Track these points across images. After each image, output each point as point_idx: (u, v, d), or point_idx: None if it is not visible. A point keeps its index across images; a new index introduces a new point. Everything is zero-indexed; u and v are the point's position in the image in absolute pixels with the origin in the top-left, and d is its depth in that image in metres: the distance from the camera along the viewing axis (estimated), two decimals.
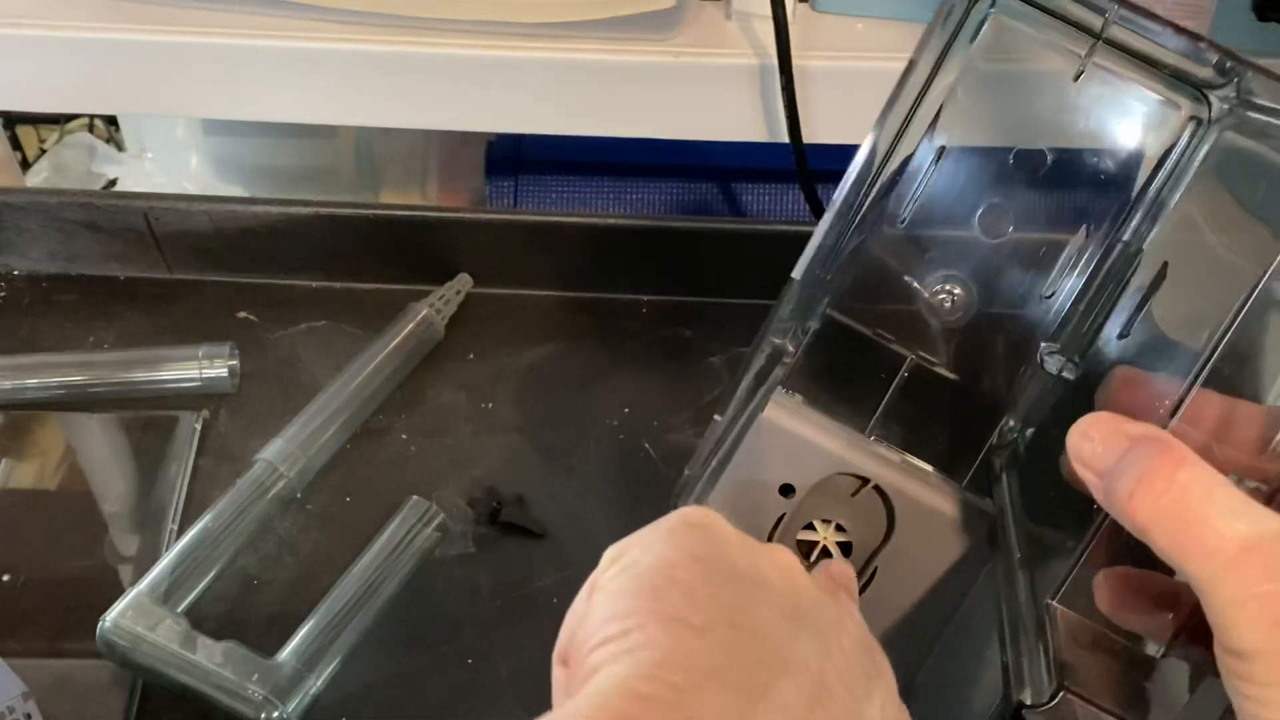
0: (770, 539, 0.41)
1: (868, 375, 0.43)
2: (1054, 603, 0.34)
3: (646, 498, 0.57)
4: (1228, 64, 0.37)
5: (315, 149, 0.89)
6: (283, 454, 0.54)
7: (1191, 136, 0.40)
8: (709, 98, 0.62)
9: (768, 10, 0.57)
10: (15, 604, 0.51)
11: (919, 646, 0.41)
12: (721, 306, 0.66)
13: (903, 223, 0.42)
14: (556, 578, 0.53)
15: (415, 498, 0.53)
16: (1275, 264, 0.32)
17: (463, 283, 0.64)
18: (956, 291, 0.42)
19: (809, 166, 0.64)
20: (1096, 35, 0.38)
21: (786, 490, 0.40)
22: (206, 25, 0.61)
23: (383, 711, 0.48)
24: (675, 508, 0.36)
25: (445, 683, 0.50)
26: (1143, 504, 0.30)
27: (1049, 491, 0.38)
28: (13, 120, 0.96)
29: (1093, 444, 0.32)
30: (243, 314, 0.64)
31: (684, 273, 0.66)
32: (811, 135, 0.61)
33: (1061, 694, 0.32)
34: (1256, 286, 0.33)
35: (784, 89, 0.59)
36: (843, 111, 0.62)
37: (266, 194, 0.86)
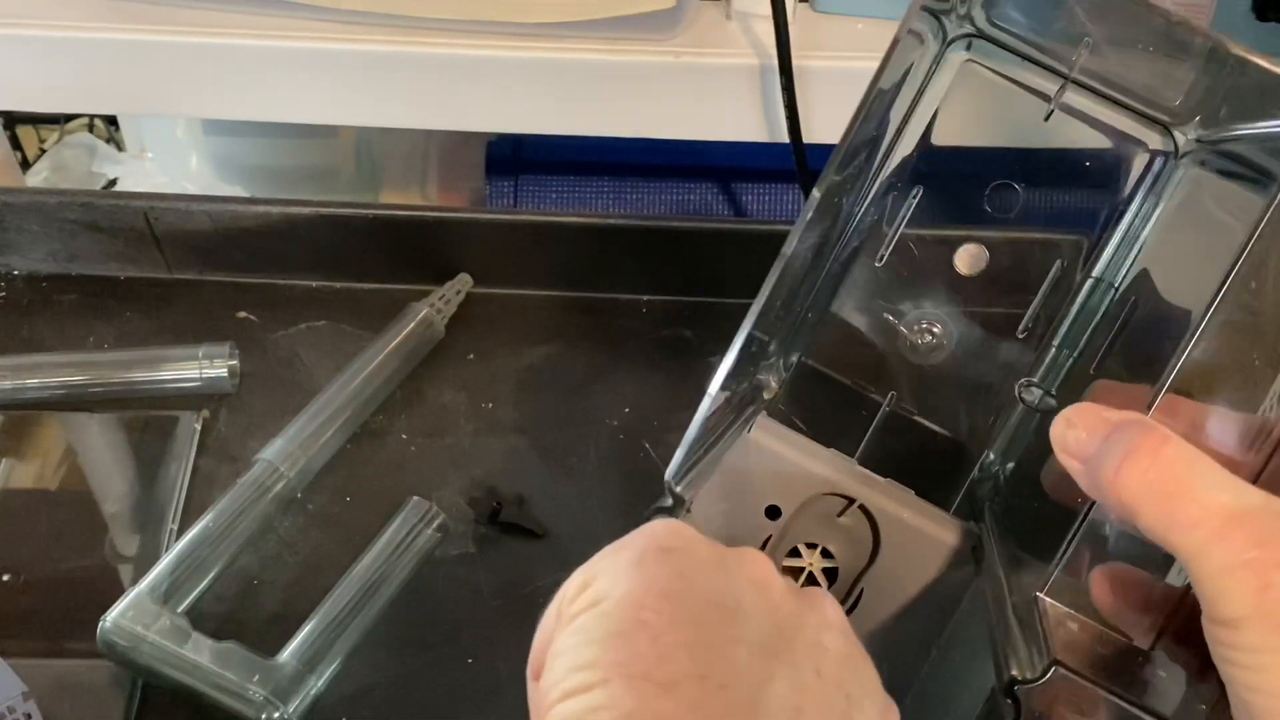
0: None
1: (849, 412, 0.43)
2: (1043, 596, 0.35)
3: (646, 498, 0.57)
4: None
5: (315, 149, 0.89)
6: (283, 454, 0.54)
7: (1160, 171, 0.40)
8: (709, 98, 0.62)
9: (768, 10, 0.57)
10: (15, 604, 0.51)
11: (905, 668, 0.41)
12: (721, 306, 0.66)
13: (880, 261, 0.42)
14: (556, 578, 0.52)
15: (415, 498, 0.53)
16: (1233, 271, 0.33)
17: (463, 283, 0.64)
18: (935, 328, 0.43)
19: (809, 166, 0.64)
20: (1065, 76, 0.39)
21: (773, 512, 0.41)
22: (206, 25, 0.61)
23: (383, 711, 0.48)
24: (658, 508, 0.36)
25: (445, 683, 0.50)
26: (1128, 480, 0.30)
27: (1032, 521, 0.39)
28: (13, 120, 0.96)
29: (1076, 431, 0.32)
30: (243, 314, 0.64)
31: (684, 273, 0.66)
32: (811, 135, 0.61)
33: (1054, 669, 0.32)
34: (1220, 289, 0.33)
35: (784, 89, 0.59)
36: (843, 111, 0.61)
37: (266, 194, 0.86)
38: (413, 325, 0.61)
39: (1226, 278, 0.33)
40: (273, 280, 0.65)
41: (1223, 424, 0.33)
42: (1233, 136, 0.38)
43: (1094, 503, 0.34)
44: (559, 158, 0.79)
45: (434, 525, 0.53)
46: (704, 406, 0.38)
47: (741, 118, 0.62)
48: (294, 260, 0.65)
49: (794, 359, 0.43)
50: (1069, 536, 0.34)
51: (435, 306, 0.62)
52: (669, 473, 0.38)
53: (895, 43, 0.38)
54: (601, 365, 0.63)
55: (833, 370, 0.43)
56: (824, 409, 0.43)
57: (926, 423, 0.43)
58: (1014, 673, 0.33)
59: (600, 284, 0.66)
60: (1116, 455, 0.31)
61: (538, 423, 0.60)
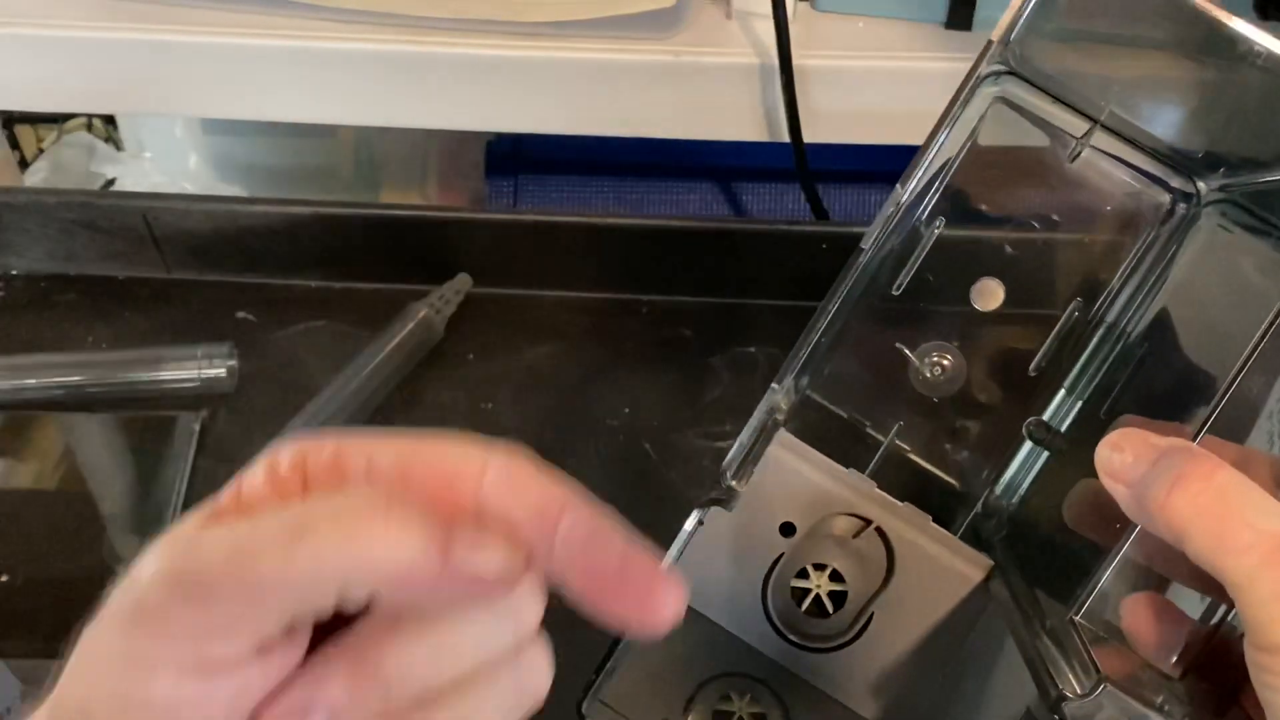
0: (767, 578, 0.41)
1: (856, 440, 0.43)
2: (1078, 618, 0.34)
3: (646, 498, 0.57)
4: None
5: (315, 149, 0.89)
6: None
7: (1181, 219, 0.40)
8: (709, 98, 0.62)
9: (768, 10, 0.57)
10: (15, 604, 0.51)
11: (912, 695, 0.41)
12: (722, 306, 0.66)
13: (898, 291, 0.42)
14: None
15: None
16: (1273, 318, 0.33)
17: (462, 283, 0.64)
18: (947, 360, 0.43)
19: (809, 166, 0.64)
20: (1094, 120, 0.39)
21: (787, 529, 0.40)
22: (206, 25, 0.61)
23: None
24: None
25: None
26: (1180, 504, 0.30)
27: (1042, 556, 0.39)
28: (11, 120, 0.95)
29: (1124, 455, 0.32)
30: (242, 314, 0.64)
31: (684, 273, 0.66)
32: (811, 135, 0.61)
33: (1103, 685, 0.32)
34: (1257, 346, 0.33)
35: (784, 89, 0.59)
36: (843, 111, 0.62)
37: (266, 194, 0.86)
38: (412, 325, 0.61)
39: (1265, 334, 0.33)
40: (272, 280, 0.65)
41: (1264, 467, 0.33)
42: (1256, 184, 0.38)
43: (1135, 528, 0.33)
44: (559, 158, 0.79)
45: None
46: (765, 400, 0.38)
47: (741, 118, 0.62)
48: (294, 260, 0.65)
49: (804, 382, 0.43)
50: (1107, 562, 0.34)
51: (435, 306, 0.62)
52: (726, 463, 0.39)
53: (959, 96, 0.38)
54: (601, 365, 0.63)
55: (842, 398, 0.43)
56: (834, 436, 0.43)
57: (923, 464, 0.43)
58: (1064, 690, 0.33)
59: (600, 284, 0.66)
60: (1167, 479, 0.30)
61: (538, 423, 0.60)
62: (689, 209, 0.78)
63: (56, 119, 0.99)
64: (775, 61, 0.59)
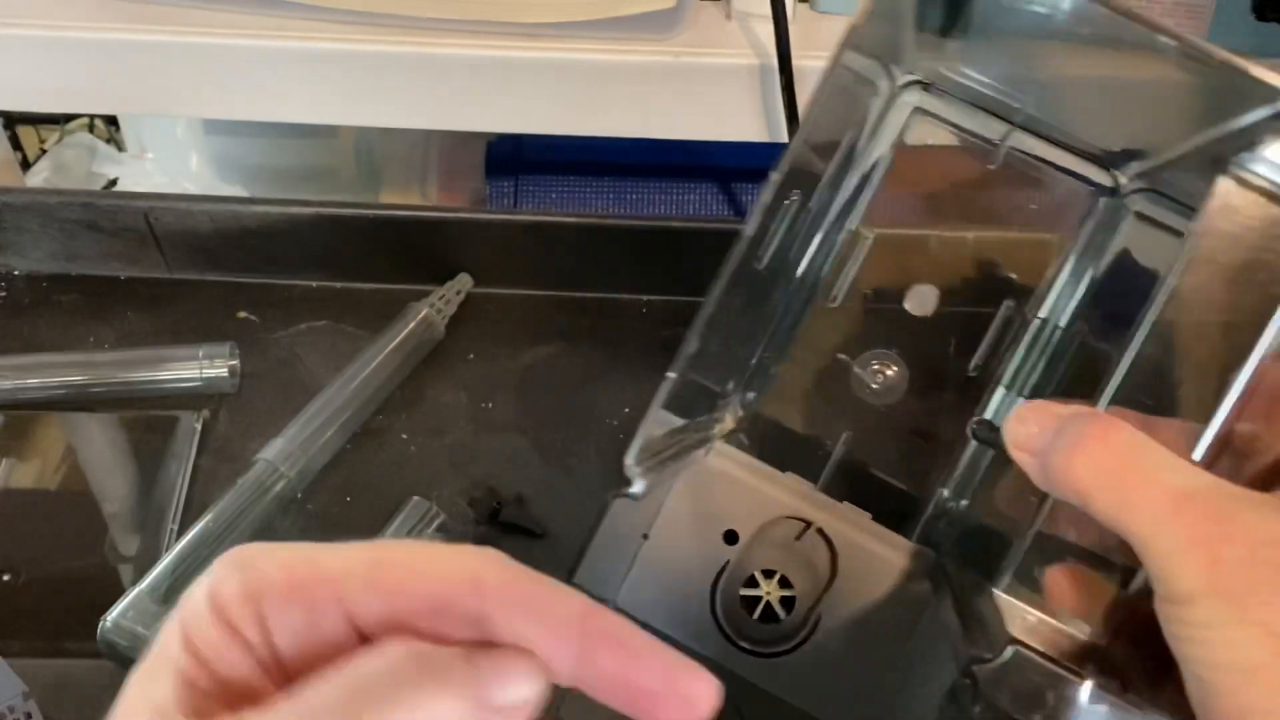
0: (714, 588, 0.41)
1: (808, 452, 0.44)
2: (999, 592, 0.35)
3: None
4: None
5: (315, 149, 0.89)
6: (283, 454, 0.54)
7: (1104, 212, 0.41)
8: (709, 98, 0.62)
9: (768, 10, 0.57)
10: (15, 604, 0.51)
11: (863, 694, 0.41)
12: None
13: (834, 301, 0.43)
14: (556, 578, 0.53)
15: (416, 498, 0.53)
16: (1161, 296, 0.33)
17: (463, 283, 0.64)
18: (889, 369, 0.43)
19: None
20: (1011, 122, 0.40)
21: (730, 537, 0.41)
22: (206, 25, 0.61)
23: None
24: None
25: None
26: (1080, 467, 0.30)
27: (987, 555, 0.39)
28: (13, 120, 0.96)
29: (1028, 426, 0.33)
30: (243, 314, 0.64)
31: (684, 273, 0.66)
32: None
33: (1012, 647, 0.32)
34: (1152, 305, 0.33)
35: (784, 89, 0.59)
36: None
37: (266, 194, 0.86)
38: (413, 325, 0.61)
39: (1158, 309, 0.33)
40: (273, 280, 0.65)
41: (1168, 432, 0.33)
42: (1166, 163, 0.38)
43: (1049, 500, 0.34)
44: (559, 158, 0.79)
45: (434, 525, 0.53)
46: (662, 389, 0.38)
47: (741, 118, 0.62)
48: (294, 260, 0.65)
49: (750, 398, 0.44)
50: (1024, 536, 0.34)
51: (435, 306, 0.62)
52: (629, 457, 0.37)
53: (825, 79, 0.38)
54: (601, 365, 0.63)
55: (790, 411, 0.44)
56: (785, 449, 0.44)
57: (875, 472, 0.44)
58: (974, 653, 0.33)
59: (600, 284, 0.66)
60: (1069, 444, 0.31)
61: (538, 423, 0.60)
62: (689, 209, 0.78)
63: (58, 120, 0.99)
64: (775, 62, 0.59)
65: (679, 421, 0.40)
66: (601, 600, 0.42)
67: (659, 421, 0.38)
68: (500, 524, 0.55)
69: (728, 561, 0.41)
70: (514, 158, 0.80)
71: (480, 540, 0.54)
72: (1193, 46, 0.31)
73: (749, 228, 0.38)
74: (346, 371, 0.59)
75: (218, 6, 0.61)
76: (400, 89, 0.62)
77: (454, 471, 0.57)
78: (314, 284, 0.66)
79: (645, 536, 0.40)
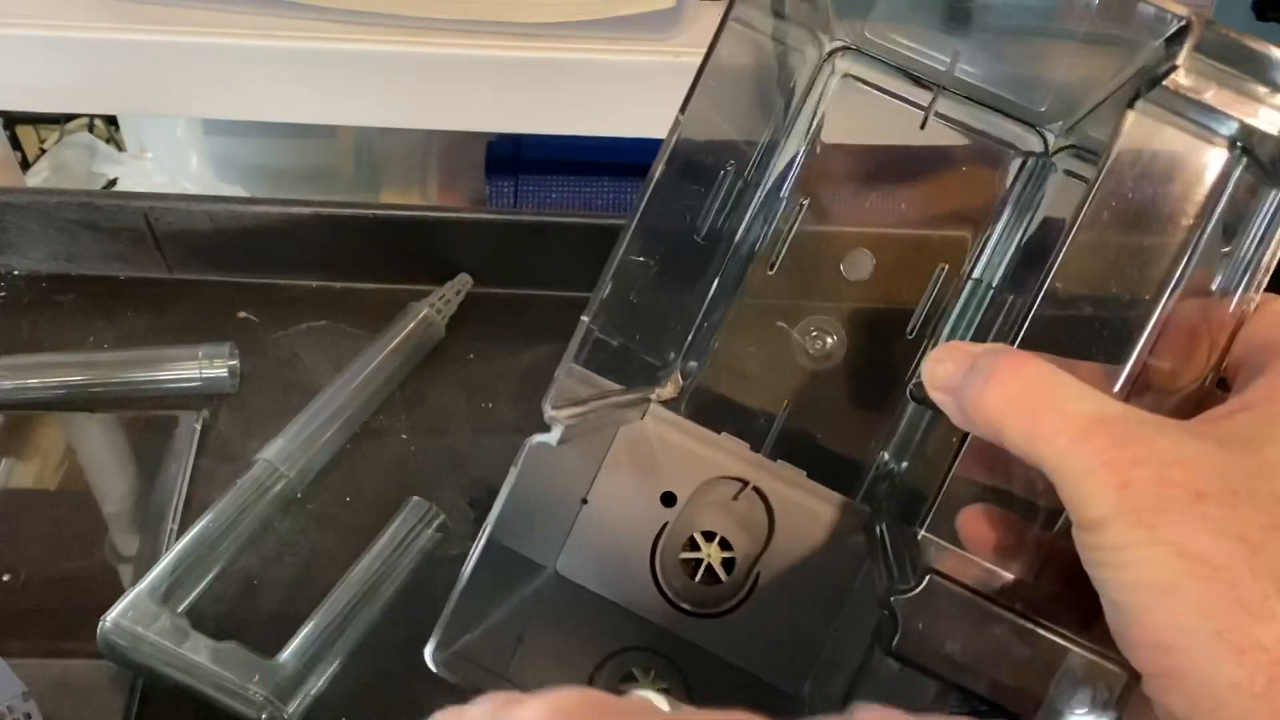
0: (654, 549, 0.41)
1: (749, 420, 0.44)
2: (922, 531, 0.35)
3: None
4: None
5: (315, 149, 0.89)
6: (283, 454, 0.54)
7: (1033, 172, 0.42)
8: None
9: None
10: (15, 604, 0.51)
11: (803, 651, 0.42)
12: None
13: (772, 269, 0.43)
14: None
15: (416, 498, 0.53)
16: (1071, 234, 0.33)
17: (463, 283, 0.64)
18: (829, 336, 0.44)
19: None
20: (938, 85, 0.40)
21: (668, 499, 0.41)
22: (206, 25, 0.61)
23: (383, 712, 0.48)
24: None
25: (446, 683, 0.49)
26: (992, 399, 0.31)
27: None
28: (13, 120, 0.96)
29: (945, 365, 0.33)
30: (243, 314, 0.64)
31: None
32: None
33: (930, 577, 0.32)
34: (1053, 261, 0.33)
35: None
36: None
37: (266, 194, 0.87)
38: (413, 325, 0.61)
39: (1057, 255, 0.33)
40: (273, 280, 0.65)
41: (1085, 373, 0.33)
42: (1086, 114, 0.38)
43: (967, 438, 0.34)
44: (559, 158, 0.79)
45: (434, 525, 0.53)
46: (578, 333, 0.39)
47: None
48: (294, 260, 0.65)
49: (692, 366, 0.44)
50: (944, 476, 0.35)
51: (435, 306, 0.62)
52: (546, 402, 0.38)
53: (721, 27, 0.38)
54: None
55: (731, 379, 0.44)
56: (727, 417, 0.44)
57: (817, 438, 0.44)
58: (892, 584, 0.33)
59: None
60: (981, 378, 0.31)
61: (538, 423, 0.60)
62: None
63: (58, 119, 0.99)
64: None
65: (605, 383, 0.40)
66: (541, 567, 0.43)
67: (578, 377, 0.38)
68: None
69: (666, 524, 0.41)
70: (514, 158, 0.80)
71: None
72: None
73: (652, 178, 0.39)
74: (346, 371, 0.59)
75: (218, 6, 0.61)
76: (400, 89, 0.62)
77: (454, 471, 0.57)
78: (314, 284, 0.66)
79: (584, 501, 0.40)
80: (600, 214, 0.73)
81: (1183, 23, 0.30)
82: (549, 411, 0.38)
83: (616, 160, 0.79)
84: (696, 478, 0.41)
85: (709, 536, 0.41)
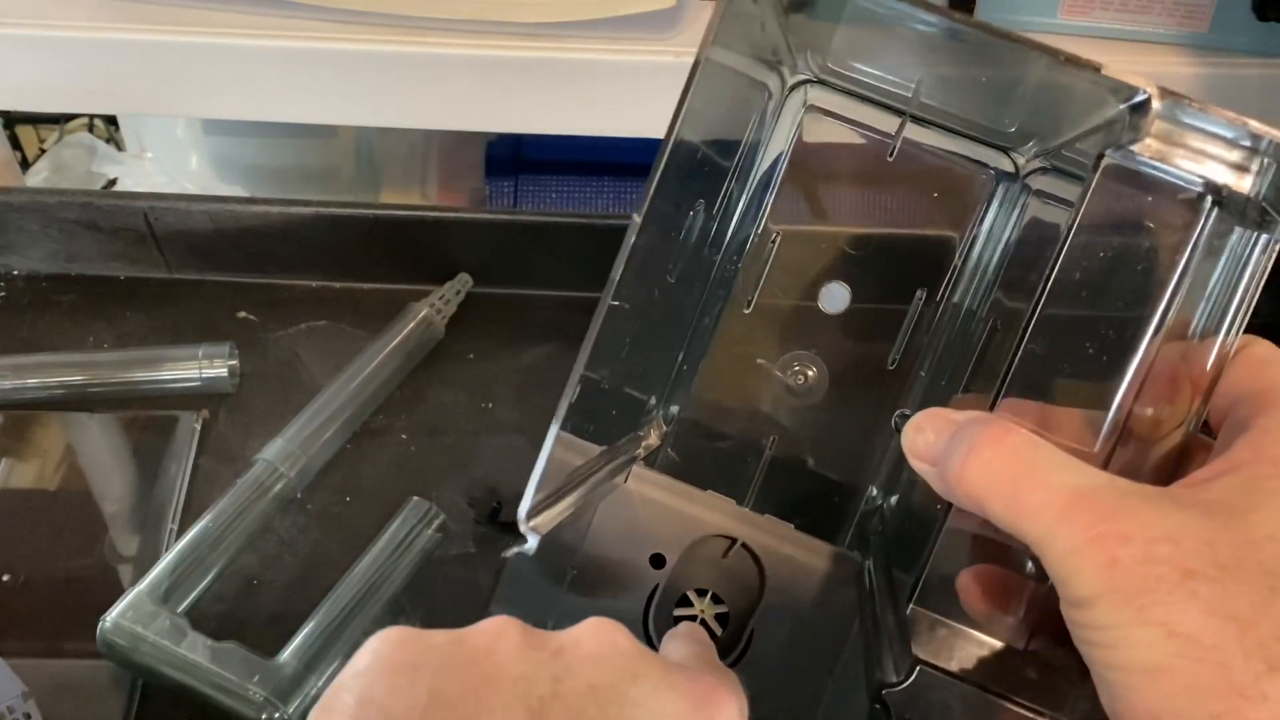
0: (646, 612, 0.41)
1: (737, 460, 0.44)
2: (915, 606, 0.35)
3: None
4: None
5: (315, 149, 0.89)
6: (283, 454, 0.54)
7: (1005, 195, 0.41)
8: None
9: None
10: (15, 604, 0.51)
11: (803, 701, 0.41)
12: None
13: (749, 307, 0.43)
14: (553, 580, 0.53)
15: (415, 498, 0.53)
16: (1049, 281, 0.33)
17: (463, 283, 0.64)
18: (810, 370, 0.43)
19: None
20: (905, 113, 0.40)
21: (658, 560, 0.41)
22: (206, 25, 0.61)
23: None
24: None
25: None
26: (973, 473, 0.30)
27: (915, 549, 0.39)
28: (12, 120, 0.96)
29: (925, 434, 0.32)
30: (243, 314, 0.64)
31: None
32: (810, 136, 0.61)
33: (918, 669, 0.32)
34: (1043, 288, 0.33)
35: None
36: None
37: (266, 194, 0.86)
38: (413, 325, 0.61)
39: (1049, 276, 0.33)
40: (273, 280, 0.65)
41: (1068, 421, 0.33)
42: (1059, 146, 0.38)
43: (950, 506, 0.34)
44: (559, 158, 0.79)
45: (434, 525, 0.53)
46: (547, 443, 0.38)
47: None
48: (294, 260, 0.65)
49: (674, 411, 0.44)
50: (930, 544, 0.34)
51: (435, 306, 0.62)
52: (521, 511, 0.37)
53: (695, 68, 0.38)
54: None
55: (714, 419, 0.44)
56: (712, 459, 0.44)
57: (806, 472, 0.44)
58: (882, 678, 0.33)
59: (600, 284, 0.66)
60: (962, 450, 0.31)
61: (538, 423, 0.60)
62: None
63: (58, 119, 0.99)
64: None
65: (592, 447, 0.39)
66: None
67: (565, 444, 0.38)
68: (500, 524, 0.55)
69: (657, 585, 0.41)
70: (514, 158, 0.80)
71: (480, 540, 0.54)
72: (1047, 51, 0.31)
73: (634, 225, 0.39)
74: (346, 371, 0.59)
75: (218, 6, 0.61)
76: (400, 89, 0.62)
77: (454, 471, 0.57)
78: (314, 284, 0.66)
79: (573, 569, 0.40)
80: (600, 214, 0.73)
81: (1144, 96, 0.30)
82: (524, 525, 0.37)
83: (616, 160, 0.79)
84: (684, 538, 0.41)
85: (701, 593, 0.41)
